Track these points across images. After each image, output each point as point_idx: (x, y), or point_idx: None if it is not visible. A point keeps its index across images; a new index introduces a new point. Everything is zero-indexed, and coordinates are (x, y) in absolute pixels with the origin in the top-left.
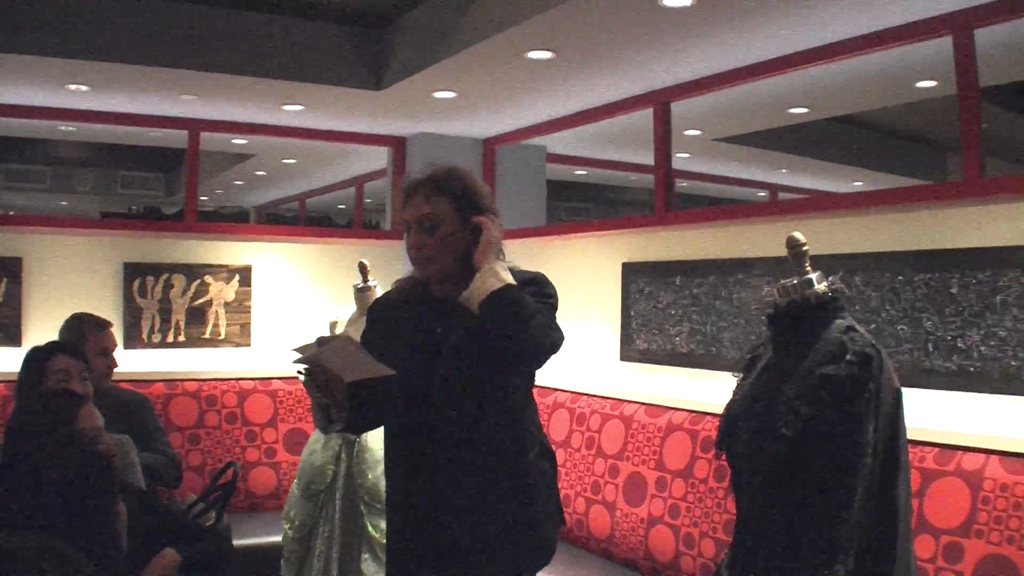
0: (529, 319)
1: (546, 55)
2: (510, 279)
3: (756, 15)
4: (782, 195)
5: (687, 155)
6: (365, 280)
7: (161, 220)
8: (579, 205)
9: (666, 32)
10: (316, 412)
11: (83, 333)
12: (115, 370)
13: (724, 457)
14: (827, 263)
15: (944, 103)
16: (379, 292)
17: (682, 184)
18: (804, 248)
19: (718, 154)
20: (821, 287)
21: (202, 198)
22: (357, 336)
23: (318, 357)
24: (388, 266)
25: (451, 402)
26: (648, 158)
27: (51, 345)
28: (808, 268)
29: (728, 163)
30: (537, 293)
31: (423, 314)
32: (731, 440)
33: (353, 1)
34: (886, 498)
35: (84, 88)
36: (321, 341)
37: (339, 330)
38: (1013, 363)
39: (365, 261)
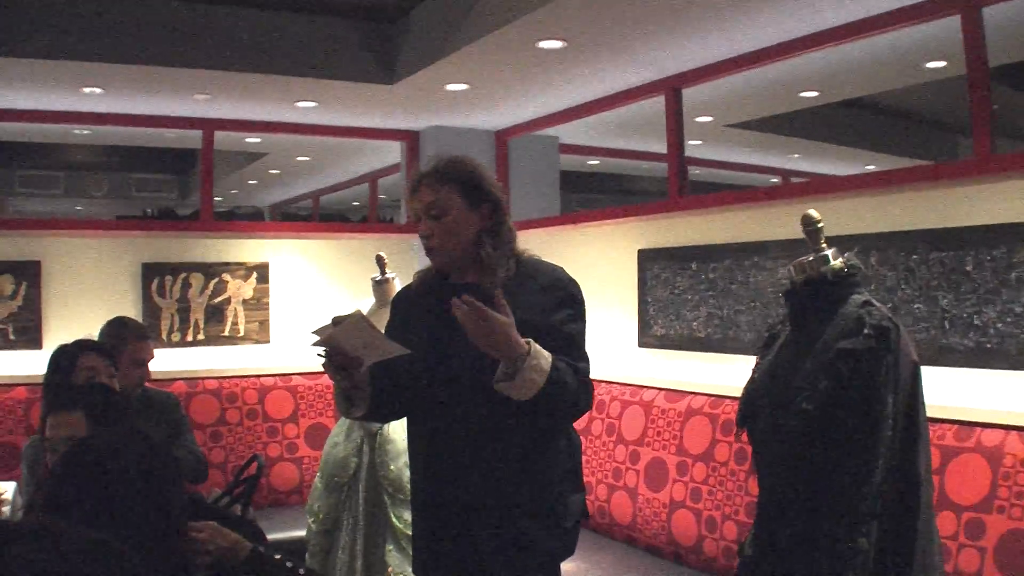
0: (572, 399)
1: (557, 44)
2: (546, 363)
3: None
4: (794, 180)
5: (699, 142)
6: (383, 273)
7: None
8: (591, 196)
9: (676, 18)
10: (338, 396)
11: (125, 339)
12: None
13: (745, 435)
14: (842, 244)
15: (954, 83)
16: (397, 284)
17: (694, 171)
18: (819, 225)
19: (730, 140)
20: (837, 263)
21: (216, 198)
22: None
23: (333, 338)
24: (404, 259)
25: (472, 390)
26: (660, 146)
27: (79, 343)
28: (824, 245)
29: (740, 149)
30: (565, 299)
31: (443, 303)
32: (752, 417)
33: None
34: (906, 470)
35: (99, 91)
36: (336, 321)
37: None
38: None
39: (383, 254)
